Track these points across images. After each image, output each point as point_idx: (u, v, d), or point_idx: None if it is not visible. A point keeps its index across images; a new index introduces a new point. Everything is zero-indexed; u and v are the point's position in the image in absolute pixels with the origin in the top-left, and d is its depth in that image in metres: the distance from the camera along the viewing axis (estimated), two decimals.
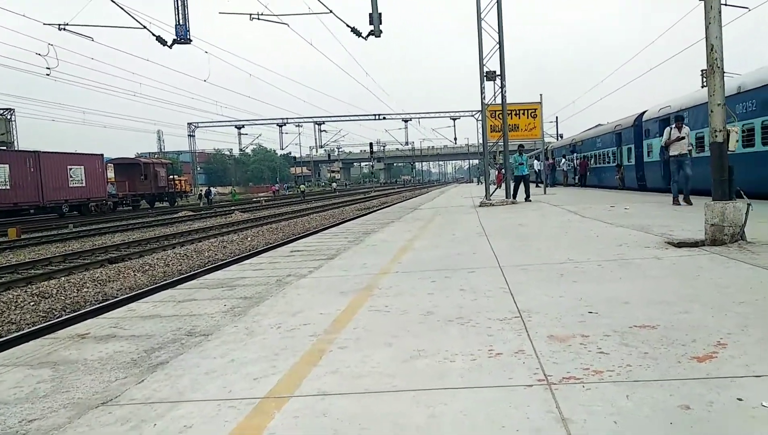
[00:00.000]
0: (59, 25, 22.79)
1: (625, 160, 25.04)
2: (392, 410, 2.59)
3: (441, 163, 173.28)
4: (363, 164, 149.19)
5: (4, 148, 43.92)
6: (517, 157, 19.73)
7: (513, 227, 10.63)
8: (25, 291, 10.15)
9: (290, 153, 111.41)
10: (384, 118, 73.81)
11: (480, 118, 22.26)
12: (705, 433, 2.22)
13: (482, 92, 18.76)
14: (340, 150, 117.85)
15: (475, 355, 3.28)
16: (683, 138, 12.63)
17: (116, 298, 9.46)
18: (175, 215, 33.02)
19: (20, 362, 3.59)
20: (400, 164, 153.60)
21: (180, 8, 24.41)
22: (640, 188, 22.93)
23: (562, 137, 54.53)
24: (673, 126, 12.93)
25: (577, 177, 34.06)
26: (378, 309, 4.54)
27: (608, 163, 28.16)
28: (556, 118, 61.47)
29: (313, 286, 5.81)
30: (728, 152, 6.99)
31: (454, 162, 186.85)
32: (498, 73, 18.53)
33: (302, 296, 5.28)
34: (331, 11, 21.06)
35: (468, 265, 6.45)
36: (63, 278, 11.50)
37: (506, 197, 18.65)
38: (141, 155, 73.22)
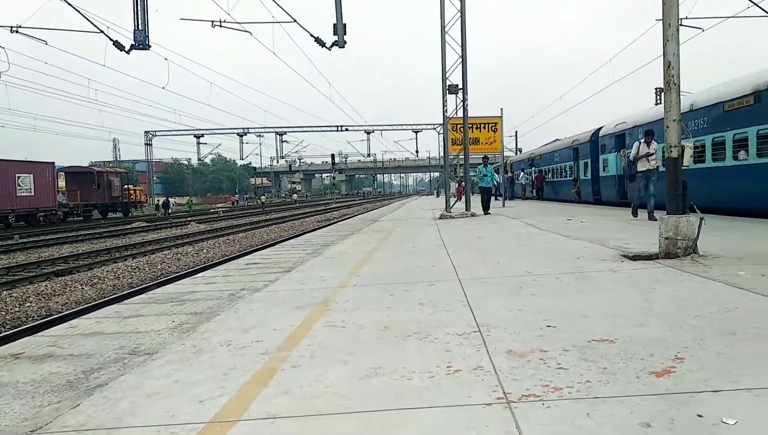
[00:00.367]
0: (11, 27, 21.98)
1: (582, 175, 25.55)
2: (345, 434, 2.45)
3: (403, 175, 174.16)
4: (324, 176, 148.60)
5: None
6: (481, 169, 19.81)
7: (472, 240, 10.63)
8: None
9: (250, 163, 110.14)
10: (346, 130, 73.86)
11: (442, 131, 22.38)
12: None
13: (444, 105, 18.84)
14: (302, 161, 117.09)
15: (433, 372, 3.18)
16: (652, 154, 12.37)
17: (60, 313, 9.02)
18: (129, 226, 32.06)
19: None
20: (362, 176, 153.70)
21: (139, 13, 23.86)
22: (596, 202, 23.41)
23: (521, 151, 55.47)
24: (642, 140, 12.67)
25: (534, 190, 34.61)
26: (334, 324, 4.40)
27: (565, 177, 28.70)
28: (516, 132, 62.42)
29: (268, 300, 5.62)
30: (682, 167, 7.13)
31: (415, 174, 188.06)
32: (460, 86, 18.67)
33: (255, 311, 5.09)
34: (295, 20, 20.90)
35: (427, 277, 6.36)
36: (5, 292, 10.92)
37: (466, 210, 18.73)
38: (95, 164, 71.19)
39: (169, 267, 14.55)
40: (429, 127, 70.40)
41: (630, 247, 7.96)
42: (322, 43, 21.59)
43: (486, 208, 19.15)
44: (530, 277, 6.09)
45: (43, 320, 8.38)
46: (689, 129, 13.65)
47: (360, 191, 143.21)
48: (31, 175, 34.77)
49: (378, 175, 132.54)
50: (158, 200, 53.14)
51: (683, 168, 7.14)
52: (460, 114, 19.23)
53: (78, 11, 18.62)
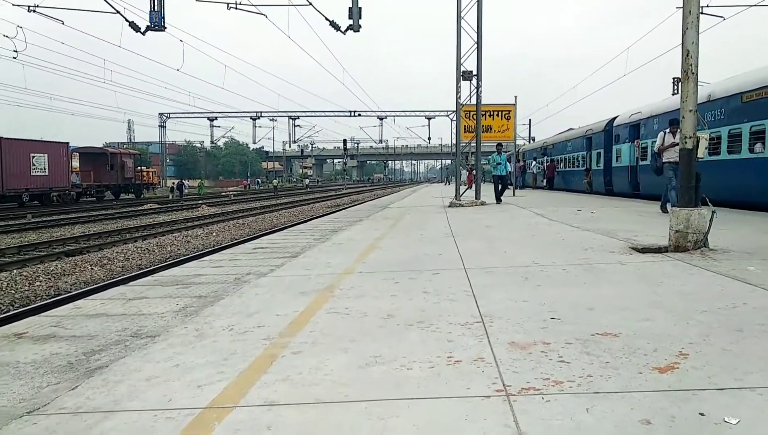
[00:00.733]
0: (29, 6, 22.03)
1: (594, 165, 25.32)
2: (342, 423, 2.44)
3: (414, 162, 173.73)
4: (336, 161, 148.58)
5: None
6: (495, 157, 19.45)
7: (481, 229, 10.57)
8: None
9: (263, 147, 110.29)
10: (359, 115, 73.50)
11: (454, 118, 22.22)
12: None
13: (458, 91, 18.68)
14: (314, 146, 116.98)
15: (433, 362, 3.15)
16: (678, 144, 11.77)
17: (68, 293, 9.10)
18: (140, 208, 32.26)
19: None
20: (373, 162, 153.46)
21: None
22: (607, 193, 23.22)
23: (534, 140, 55.05)
24: (668, 130, 12.01)
25: (545, 180, 34.39)
26: (338, 311, 4.38)
27: (577, 166, 28.46)
28: (529, 120, 61.75)
29: (273, 285, 5.61)
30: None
31: (426, 161, 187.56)
32: (474, 73, 18.48)
33: (260, 296, 5.08)
34: (310, 3, 20.76)
35: (433, 266, 6.33)
36: (15, 271, 11.03)
37: (476, 198, 18.64)
38: (109, 145, 71.63)
39: (179, 249, 14.62)
40: (442, 113, 69.90)
41: (639, 239, 7.87)
42: (336, 27, 21.46)
43: (498, 197, 18.88)
44: (537, 267, 6.04)
45: (48, 301, 8.44)
46: (706, 120, 13.43)
47: (371, 178, 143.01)
48: (46, 155, 35.04)
49: (389, 162, 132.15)
50: (172, 183, 53.38)
51: (697, 160, 7.04)
52: (474, 101, 19.08)
53: None
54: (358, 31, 20.68)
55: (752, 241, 7.44)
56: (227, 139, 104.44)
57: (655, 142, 12.76)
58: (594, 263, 6.20)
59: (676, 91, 37.43)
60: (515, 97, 23.83)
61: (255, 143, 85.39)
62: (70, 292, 9.16)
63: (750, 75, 13.47)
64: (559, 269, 5.90)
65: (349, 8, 20.18)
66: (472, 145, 20.46)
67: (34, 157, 34.09)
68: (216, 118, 73.34)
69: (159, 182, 61.93)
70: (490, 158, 19.79)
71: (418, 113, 74.17)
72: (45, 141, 36.77)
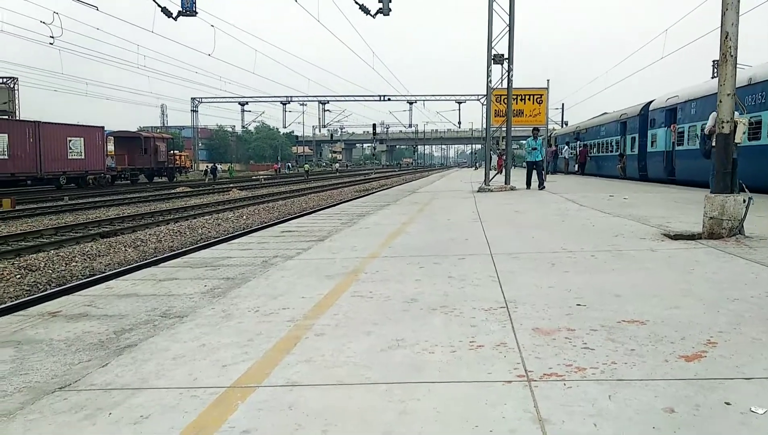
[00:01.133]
0: None
1: (629, 150, 24.81)
2: (362, 405, 2.46)
3: (444, 146, 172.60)
4: (365, 145, 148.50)
5: (6, 117, 43.67)
6: (530, 142, 18.74)
7: (509, 214, 10.48)
8: (13, 263, 10.02)
9: (293, 132, 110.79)
10: (389, 100, 73.32)
11: (485, 103, 21.96)
12: None
13: (488, 75, 18.43)
14: (343, 130, 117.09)
15: (455, 346, 3.15)
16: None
17: (103, 273, 9.34)
18: (173, 191, 32.84)
19: None
20: (402, 147, 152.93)
21: None
22: (642, 178, 22.76)
23: (566, 124, 54.11)
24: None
25: (576, 165, 33.85)
26: (362, 295, 4.41)
27: (611, 151, 27.92)
28: (562, 105, 60.56)
29: (299, 268, 5.67)
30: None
31: (456, 146, 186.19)
32: (506, 56, 18.18)
33: (286, 279, 5.14)
34: None
35: (459, 251, 6.30)
36: (52, 251, 11.37)
37: (505, 183, 18.45)
38: (143, 129, 72.81)
39: (209, 232, 14.86)
40: (473, 98, 69.10)
41: (672, 226, 7.71)
42: (366, 11, 21.39)
43: (529, 182, 18.37)
44: (565, 253, 5.97)
45: (82, 281, 8.67)
46: (745, 104, 12.98)
47: (400, 162, 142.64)
48: (82, 139, 35.85)
49: (419, 146, 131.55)
50: (206, 166, 54.25)
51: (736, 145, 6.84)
52: (505, 85, 18.80)
53: None
54: (388, 14, 20.60)
55: None
56: (258, 124, 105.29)
57: (705, 123, 12.33)
58: (624, 250, 6.10)
59: (715, 75, 36.35)
60: (548, 81, 23.50)
61: (285, 127, 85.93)
62: (104, 273, 9.41)
63: None
64: (587, 255, 5.82)
65: None
66: (503, 129, 20.22)
67: (70, 141, 34.91)
68: (247, 102, 74.04)
69: (191, 166, 62.84)
70: (526, 143, 19.31)
71: (448, 97, 73.64)
72: (81, 125, 37.60)
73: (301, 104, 79.52)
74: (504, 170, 19.92)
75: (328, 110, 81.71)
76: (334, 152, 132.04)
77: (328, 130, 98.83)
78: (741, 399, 2.37)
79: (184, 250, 11.47)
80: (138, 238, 13.25)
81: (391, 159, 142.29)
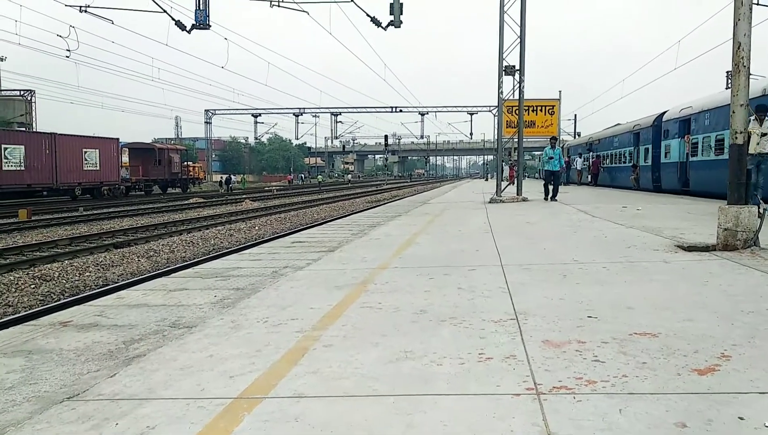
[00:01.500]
0: (80, 7, 22.78)
1: (642, 161, 24.64)
2: (369, 417, 2.44)
3: (456, 157, 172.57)
4: (377, 157, 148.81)
5: (23, 129, 44.33)
6: (548, 151, 18.20)
7: (520, 225, 10.43)
8: (27, 273, 10.12)
9: (305, 143, 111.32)
10: (400, 111, 73.48)
11: (497, 114, 21.96)
12: None
13: (500, 87, 18.43)
14: (355, 141, 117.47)
15: (464, 358, 3.12)
16: (767, 133, 10.19)
17: (115, 283, 9.41)
18: (186, 202, 33.08)
19: None
20: (414, 158, 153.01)
21: None
22: (655, 190, 22.57)
23: (579, 135, 53.92)
24: (753, 117, 10.14)
25: (589, 176, 33.67)
26: (371, 306, 4.39)
27: (624, 162, 27.74)
28: (575, 115, 60.39)
29: (309, 279, 5.67)
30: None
31: (468, 157, 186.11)
32: (517, 67, 18.18)
33: (295, 289, 5.14)
34: (352, 0, 20.88)
35: (469, 262, 6.27)
36: (66, 262, 11.47)
37: (517, 194, 18.38)
38: (158, 140, 73.55)
39: (221, 242, 14.93)
40: (484, 109, 69.12)
41: (686, 237, 7.62)
42: (378, 23, 21.52)
43: (547, 193, 17.69)
44: (576, 265, 5.92)
45: (94, 292, 8.73)
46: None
47: (412, 173, 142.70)
48: (97, 150, 36.28)
49: (431, 157, 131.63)
50: (221, 177, 54.87)
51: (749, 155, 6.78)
52: (517, 96, 18.78)
53: None
54: (399, 27, 20.69)
55: None
56: (271, 135, 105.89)
57: (719, 134, 11.99)
58: (636, 261, 6.04)
59: (729, 86, 36.08)
60: (559, 92, 23.54)
61: (298, 139, 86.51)
62: (116, 283, 9.47)
63: None
64: (599, 267, 5.77)
65: (390, 4, 20.20)
66: (515, 140, 20.16)
67: (86, 152, 35.34)
68: (260, 114, 74.57)
69: (205, 177, 63.30)
70: (543, 152, 18.94)
71: (460, 108, 73.70)
72: (96, 137, 38.08)
73: (313, 116, 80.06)
74: (516, 181, 19.85)
75: (340, 122, 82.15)
76: (346, 163, 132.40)
77: (341, 141, 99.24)
78: (755, 414, 2.33)
79: (195, 260, 11.52)
80: (151, 249, 13.34)
81: (403, 170, 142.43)
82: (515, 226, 10.34)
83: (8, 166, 29.56)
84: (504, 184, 19.87)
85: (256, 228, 18.21)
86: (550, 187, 17.76)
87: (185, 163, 50.80)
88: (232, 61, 37.21)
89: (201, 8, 24.82)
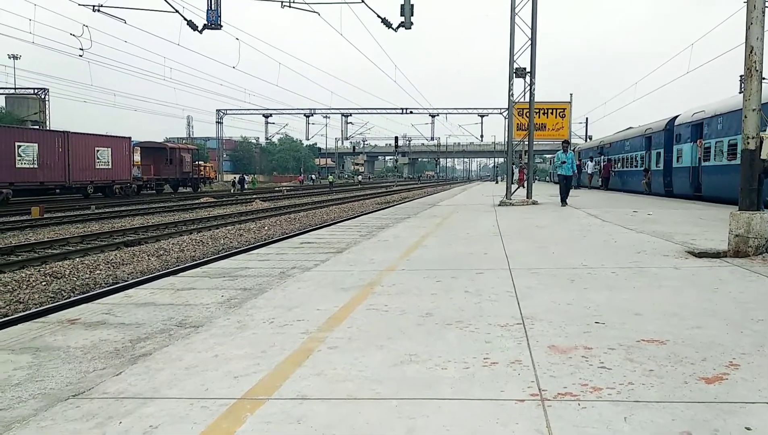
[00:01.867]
0: (93, 6, 22.97)
1: (654, 165, 24.46)
2: (371, 420, 2.43)
3: (466, 160, 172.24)
4: (387, 158, 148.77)
5: (37, 127, 44.76)
6: (560, 155, 17.87)
7: (530, 229, 10.39)
8: (39, 270, 10.21)
9: (316, 144, 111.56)
10: (411, 113, 73.38)
11: (507, 116, 21.90)
12: None
13: (510, 89, 18.38)
14: (365, 143, 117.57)
15: (468, 363, 3.11)
16: None
17: (125, 281, 9.46)
18: (197, 201, 33.24)
19: (2, 346, 3.50)
20: (424, 159, 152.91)
21: None
22: (667, 194, 22.39)
23: (590, 139, 53.63)
24: None
25: (600, 179, 33.48)
26: (377, 308, 4.39)
27: (635, 166, 27.56)
28: (586, 119, 60.03)
29: (316, 280, 5.67)
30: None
31: (479, 159, 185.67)
32: (528, 70, 18.12)
33: (302, 290, 5.15)
34: (362, 1, 20.91)
35: (477, 265, 6.25)
36: (77, 259, 11.56)
37: (527, 197, 18.31)
38: (169, 140, 73.98)
39: (231, 242, 14.99)
40: (495, 111, 68.85)
41: (697, 243, 7.55)
42: (388, 24, 21.52)
43: (564, 199, 17.13)
44: (585, 269, 5.88)
45: (103, 290, 8.78)
46: None
47: (421, 175, 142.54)
48: (109, 149, 36.54)
49: (441, 159, 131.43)
50: (234, 177, 55.20)
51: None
52: (527, 98, 18.72)
53: None
54: (410, 28, 20.68)
55: None
56: (281, 136, 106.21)
57: (732, 139, 11.59)
58: (646, 267, 5.99)
59: (742, 90, 35.71)
60: (570, 95, 23.42)
61: (308, 139, 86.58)
62: (126, 281, 9.53)
63: None
64: (608, 272, 5.73)
65: (401, 5, 20.19)
66: (525, 143, 20.09)
67: (98, 151, 35.60)
68: (271, 114, 74.74)
69: (216, 177, 63.58)
70: (556, 156, 18.74)
71: (470, 110, 73.43)
72: (109, 136, 38.34)
73: (324, 117, 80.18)
74: (526, 184, 19.76)
75: (350, 123, 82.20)
76: (357, 164, 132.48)
77: (351, 142, 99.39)
78: (763, 424, 2.30)
79: (203, 260, 11.57)
80: (161, 248, 13.41)
81: (413, 172, 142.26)
82: (524, 229, 10.30)
83: (22, 163, 29.84)
84: (514, 187, 19.79)
85: (266, 228, 18.26)
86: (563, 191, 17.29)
87: (196, 162, 51.01)
88: (244, 61, 37.29)
89: (213, 8, 24.95)
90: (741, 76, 37.75)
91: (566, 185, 17.43)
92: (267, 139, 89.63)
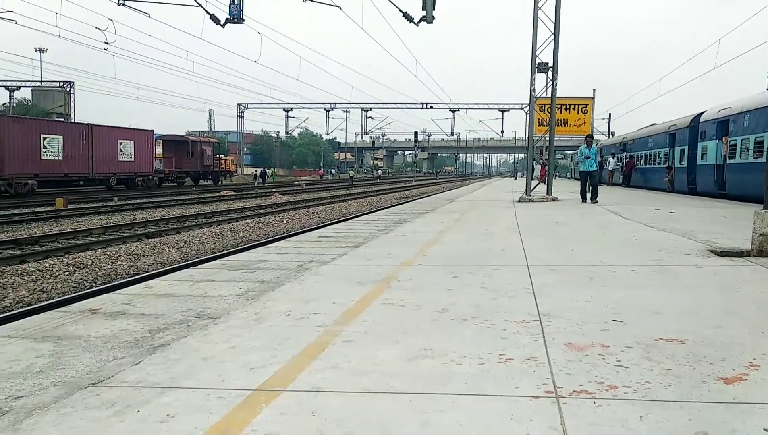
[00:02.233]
0: (119, 0, 23.24)
1: (677, 162, 24.10)
2: (385, 414, 2.44)
3: (486, 155, 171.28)
4: (407, 153, 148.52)
5: (62, 119, 45.48)
6: (584, 150, 17.18)
7: (549, 225, 10.31)
8: (62, 260, 10.40)
9: (335, 138, 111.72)
10: (431, 108, 73.03)
11: (528, 111, 21.71)
12: None
13: (532, 84, 18.21)
14: (385, 137, 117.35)
15: (484, 358, 3.10)
16: None
17: (146, 272, 9.60)
18: (217, 194, 33.54)
19: (25, 335, 3.58)
20: (444, 155, 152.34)
21: None
22: (690, 192, 22.06)
23: (613, 135, 52.93)
24: None
25: (622, 176, 33.08)
26: (393, 302, 4.40)
27: (658, 163, 27.16)
28: (609, 115, 59.19)
29: (333, 274, 5.70)
30: None
31: (499, 155, 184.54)
32: (550, 65, 17.92)
33: (319, 284, 5.17)
34: None
35: (495, 261, 6.23)
36: (100, 250, 11.74)
37: (547, 193, 18.16)
38: (191, 133, 74.66)
39: (250, 235, 15.10)
40: (516, 106, 68.27)
41: (720, 242, 7.43)
42: (410, 19, 21.42)
43: (584, 195, 16.53)
44: (604, 267, 5.82)
45: (124, 281, 8.91)
46: None
47: (441, 170, 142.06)
48: (132, 142, 36.99)
49: (461, 155, 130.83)
50: (256, 171, 55.71)
51: None
52: (549, 94, 18.53)
53: None
54: (432, 22, 20.56)
55: None
56: (302, 130, 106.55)
57: (759, 136, 11.53)
58: (666, 265, 5.92)
59: None
60: (593, 90, 23.11)
61: (328, 134, 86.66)
62: (147, 272, 9.66)
63: None
64: (627, 270, 5.67)
65: None
66: (547, 138, 19.91)
67: (121, 143, 36.06)
68: (291, 108, 74.93)
69: (236, 170, 63.99)
70: (578, 151, 18.35)
71: (491, 106, 72.86)
72: (131, 128, 38.82)
73: (344, 111, 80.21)
74: (546, 180, 19.60)
75: (370, 117, 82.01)
76: (376, 159, 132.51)
77: (370, 136, 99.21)
78: None
79: (223, 252, 11.68)
80: (181, 240, 13.57)
81: (433, 167, 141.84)
82: (543, 226, 10.22)
83: (47, 155, 30.35)
84: (534, 183, 19.64)
85: (285, 222, 18.37)
86: (588, 188, 16.53)
87: (217, 155, 51.43)
88: (265, 55, 37.43)
89: (235, 2, 25.11)
90: None
91: (590, 182, 16.55)
92: (287, 133, 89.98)
